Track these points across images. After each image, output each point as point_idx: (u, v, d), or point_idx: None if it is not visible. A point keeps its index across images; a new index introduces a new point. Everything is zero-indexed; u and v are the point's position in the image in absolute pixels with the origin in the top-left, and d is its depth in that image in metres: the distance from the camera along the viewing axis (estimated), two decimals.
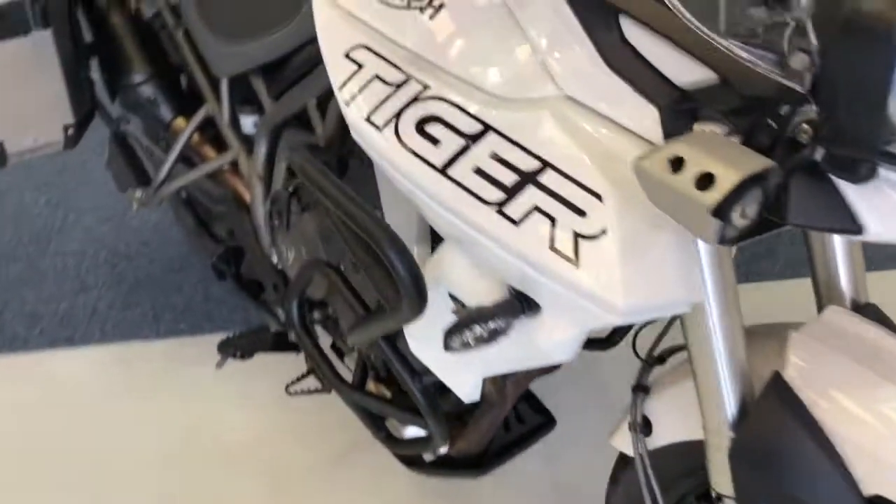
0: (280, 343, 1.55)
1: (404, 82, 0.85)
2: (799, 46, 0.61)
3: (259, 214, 1.51)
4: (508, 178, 0.78)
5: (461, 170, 0.80)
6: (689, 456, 1.03)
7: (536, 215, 0.77)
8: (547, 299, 0.82)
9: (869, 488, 0.82)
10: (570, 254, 0.75)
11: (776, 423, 0.84)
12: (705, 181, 0.63)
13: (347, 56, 0.90)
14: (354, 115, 0.88)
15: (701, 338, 0.86)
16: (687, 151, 0.65)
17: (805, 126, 0.67)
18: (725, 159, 0.64)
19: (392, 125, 0.85)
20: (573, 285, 0.76)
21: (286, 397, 1.81)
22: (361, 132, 0.87)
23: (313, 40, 1.23)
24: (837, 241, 0.97)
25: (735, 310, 0.85)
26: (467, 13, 0.85)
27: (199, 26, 1.44)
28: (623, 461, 1.17)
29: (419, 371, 1.18)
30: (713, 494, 0.96)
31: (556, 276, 0.77)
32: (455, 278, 0.91)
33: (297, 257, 1.37)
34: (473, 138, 0.80)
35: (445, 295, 0.93)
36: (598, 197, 0.75)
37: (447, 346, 0.82)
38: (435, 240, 1.08)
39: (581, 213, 0.75)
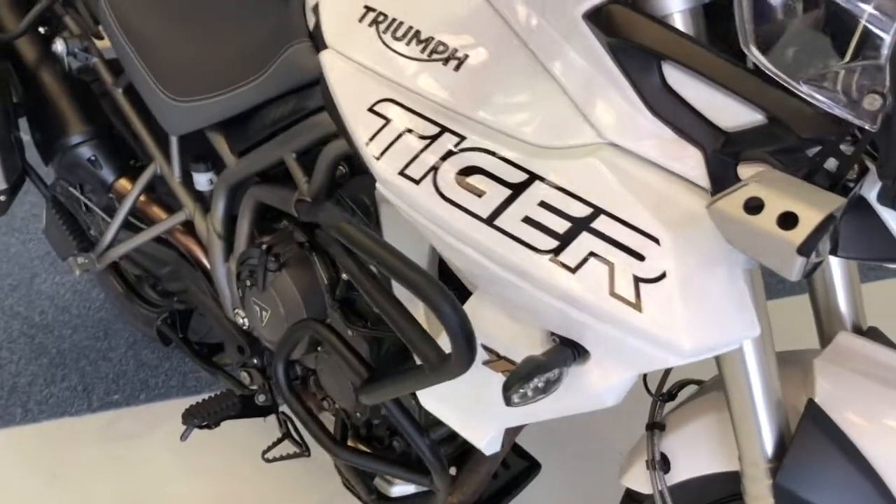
0: (248, 407, 1.49)
1: (438, 135, 0.84)
2: (872, 89, 0.64)
3: (220, 274, 1.46)
4: (560, 225, 0.78)
5: (509, 219, 0.80)
6: (710, 489, 1.05)
7: (593, 261, 0.77)
8: (596, 344, 0.82)
9: None
10: (632, 298, 0.76)
11: (817, 449, 0.87)
12: (788, 220, 0.65)
13: (372, 110, 0.88)
14: (385, 169, 0.86)
15: (738, 370, 0.88)
16: (763, 192, 0.67)
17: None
18: (803, 199, 0.66)
19: (430, 178, 0.83)
20: (636, 330, 0.76)
21: (234, 468, 1.75)
22: (394, 186, 0.85)
23: (283, 96, 1.21)
24: (836, 268, 1.02)
25: (769, 341, 0.88)
26: (492, 64, 0.85)
27: (149, 84, 1.38)
28: (629, 498, 1.18)
29: (425, 427, 1.15)
30: None
31: (617, 321, 0.77)
32: (491, 330, 0.90)
33: (273, 317, 1.32)
34: (519, 187, 0.80)
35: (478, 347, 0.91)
36: (656, 240, 0.76)
37: (508, 402, 0.80)
38: None
39: (639, 257, 0.76)
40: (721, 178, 0.77)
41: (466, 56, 0.86)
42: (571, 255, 0.78)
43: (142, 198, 1.56)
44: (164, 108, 1.37)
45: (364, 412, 1.26)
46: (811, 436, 0.87)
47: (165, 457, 1.80)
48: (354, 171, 1.17)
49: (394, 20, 0.91)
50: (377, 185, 0.88)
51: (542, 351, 0.85)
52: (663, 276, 0.75)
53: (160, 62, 1.39)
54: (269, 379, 1.47)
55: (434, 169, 0.83)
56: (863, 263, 1.12)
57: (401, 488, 1.34)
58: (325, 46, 0.97)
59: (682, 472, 1.05)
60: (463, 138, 0.83)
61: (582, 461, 1.57)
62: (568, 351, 0.83)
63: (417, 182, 0.84)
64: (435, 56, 0.88)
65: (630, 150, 0.79)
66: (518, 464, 1.44)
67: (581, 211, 0.78)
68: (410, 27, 0.90)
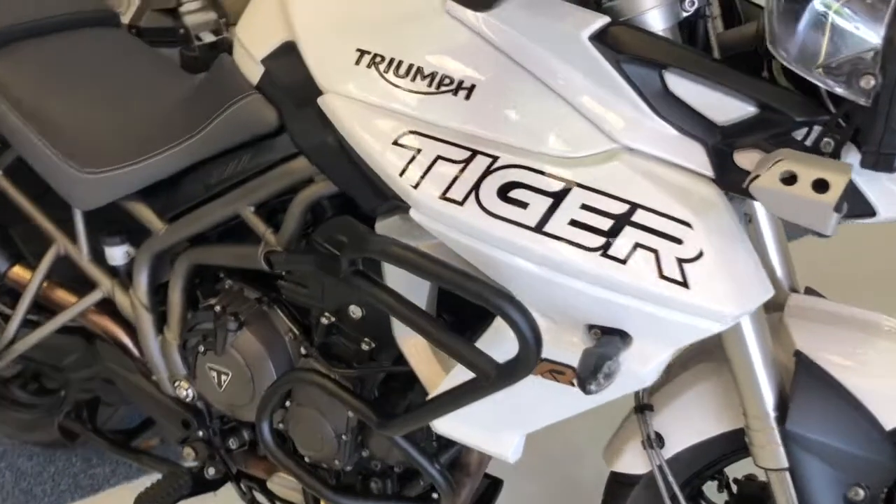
0: (199, 484, 1.42)
1: (471, 158, 0.90)
2: (866, 71, 0.78)
3: (153, 349, 1.39)
4: (604, 223, 0.86)
5: (557, 225, 0.87)
6: (699, 456, 1.17)
7: (640, 251, 0.86)
8: (639, 327, 0.91)
9: (888, 423, 1.01)
10: (679, 278, 0.85)
11: (815, 392, 1.01)
12: (821, 186, 0.78)
13: (398, 143, 0.92)
14: (426, 195, 0.90)
15: (740, 335, 1.00)
16: (794, 166, 0.80)
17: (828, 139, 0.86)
18: (827, 167, 0.79)
19: (473, 198, 0.88)
20: (686, 306, 0.86)
21: None
22: (436, 210, 0.90)
23: (228, 153, 1.20)
24: (769, 237, 1.17)
25: (760, 307, 1.01)
26: (499, 90, 0.92)
27: (52, 160, 1.31)
28: (617, 483, 1.26)
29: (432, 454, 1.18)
30: (728, 479, 1.10)
31: (668, 301, 0.86)
32: None
33: (235, 379, 1.28)
34: (559, 195, 0.87)
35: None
36: (688, 224, 0.86)
37: (588, 392, 0.86)
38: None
39: (678, 241, 0.86)
40: (722, 166, 0.89)
41: (473, 86, 0.93)
42: (619, 248, 0.86)
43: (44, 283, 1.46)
44: (73, 182, 1.31)
45: (344, 459, 1.26)
46: (807, 381, 1.01)
47: None
48: (319, 217, 1.18)
49: (392, 60, 0.96)
50: (412, 212, 0.92)
51: (584, 346, 0.92)
52: (701, 254, 0.86)
53: (65, 135, 1.32)
54: (219, 449, 1.41)
55: (475, 188, 0.89)
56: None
57: None
58: (317, 93, 1.00)
59: (676, 445, 1.16)
60: (495, 158, 0.89)
61: (540, 473, 1.63)
62: (615, 338, 0.90)
63: (461, 203, 0.89)
64: (443, 88, 0.93)
65: (643, 151, 0.89)
66: (481, 483, 1.48)
67: (619, 208, 0.87)
68: (412, 65, 0.95)
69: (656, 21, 0.91)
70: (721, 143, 0.89)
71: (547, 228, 0.87)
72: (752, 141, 0.88)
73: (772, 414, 1.03)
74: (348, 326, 1.18)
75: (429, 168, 0.90)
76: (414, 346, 1.09)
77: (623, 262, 0.86)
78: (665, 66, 0.88)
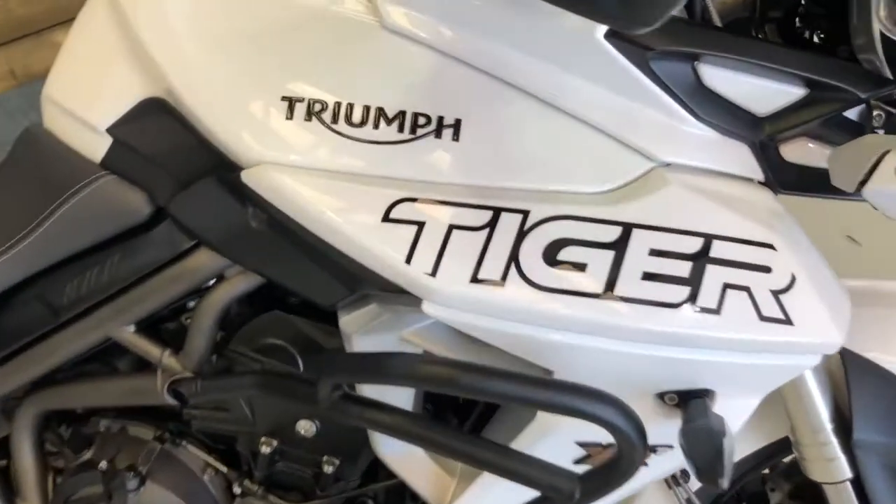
0: None
1: (495, 219, 0.66)
2: None
3: None
4: (682, 268, 0.67)
5: (629, 283, 0.66)
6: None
7: (731, 293, 0.68)
8: (724, 379, 0.73)
9: None
10: (780, 315, 0.68)
11: (871, 392, 0.89)
12: None
13: (389, 219, 0.66)
14: (451, 283, 0.65)
15: None
16: None
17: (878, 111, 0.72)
18: None
19: (515, 272, 0.65)
20: (792, 346, 0.69)
21: None
22: (466, 299, 0.65)
23: (66, 264, 0.87)
24: None
25: None
26: (493, 121, 0.70)
27: None
28: None
29: None
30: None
31: (772, 345, 0.69)
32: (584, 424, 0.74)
33: None
34: (619, 244, 0.67)
35: (568, 447, 0.76)
36: (771, 247, 0.69)
37: (717, 485, 0.67)
38: None
39: (766, 269, 0.69)
40: (771, 165, 0.74)
41: (458, 121, 0.69)
42: (708, 295, 0.67)
43: None
44: None
45: None
46: (861, 381, 0.89)
47: None
48: (233, 325, 0.89)
49: (338, 105, 0.69)
50: (426, 306, 0.67)
51: (654, 418, 0.73)
52: (793, 280, 0.69)
53: None
54: None
55: (514, 259, 0.66)
56: None
57: None
58: (237, 168, 0.71)
59: None
60: (526, 213, 0.67)
61: None
62: (701, 401, 0.72)
63: (501, 282, 0.65)
64: (421, 131, 0.69)
65: (686, 165, 0.71)
66: None
67: (693, 245, 0.68)
68: (367, 107, 0.69)
69: None
70: (767, 138, 0.73)
71: (618, 291, 0.66)
72: (799, 129, 0.73)
73: (829, 426, 0.90)
74: (300, 448, 0.91)
75: (444, 245, 0.66)
76: (409, 460, 0.84)
77: (716, 311, 0.67)
78: (698, 56, 0.70)
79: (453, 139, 0.69)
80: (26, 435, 0.99)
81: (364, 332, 0.77)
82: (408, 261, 0.66)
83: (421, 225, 0.66)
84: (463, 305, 0.66)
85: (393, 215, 0.66)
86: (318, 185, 0.68)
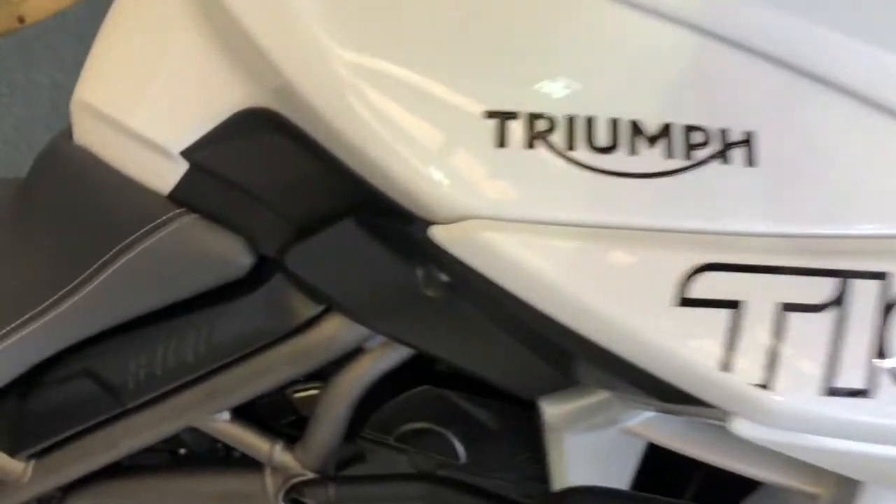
0: None
1: (842, 293, 0.43)
2: None
3: None
4: None
5: None
6: None
7: None
8: None
9: None
10: None
11: None
12: None
13: (688, 301, 0.43)
14: (795, 399, 0.42)
15: None
16: None
17: None
18: None
19: (887, 374, 0.43)
20: None
21: None
22: (827, 420, 0.43)
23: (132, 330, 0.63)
24: None
25: None
26: (802, 135, 0.47)
27: None
28: None
29: None
30: None
31: None
32: None
33: None
34: None
35: None
36: None
37: None
38: None
39: None
40: None
41: (750, 135, 0.46)
42: None
43: None
44: None
45: None
46: None
47: None
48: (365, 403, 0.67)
49: (571, 120, 0.45)
50: (738, 425, 0.44)
51: None
52: None
53: None
54: None
55: (880, 351, 0.43)
56: None
57: None
58: (409, 216, 0.47)
59: None
60: (882, 276, 0.44)
61: None
62: None
63: (868, 391, 0.43)
64: (698, 155, 0.45)
65: None
66: None
67: None
68: (614, 120, 0.45)
69: None
70: None
71: None
72: None
73: None
74: None
75: (776, 338, 0.43)
76: None
77: None
78: None
79: (748, 164, 0.45)
80: None
81: (582, 430, 0.55)
82: (725, 367, 0.43)
83: (736, 307, 0.43)
84: (807, 426, 0.44)
85: (691, 293, 0.43)
86: (560, 249, 0.44)
